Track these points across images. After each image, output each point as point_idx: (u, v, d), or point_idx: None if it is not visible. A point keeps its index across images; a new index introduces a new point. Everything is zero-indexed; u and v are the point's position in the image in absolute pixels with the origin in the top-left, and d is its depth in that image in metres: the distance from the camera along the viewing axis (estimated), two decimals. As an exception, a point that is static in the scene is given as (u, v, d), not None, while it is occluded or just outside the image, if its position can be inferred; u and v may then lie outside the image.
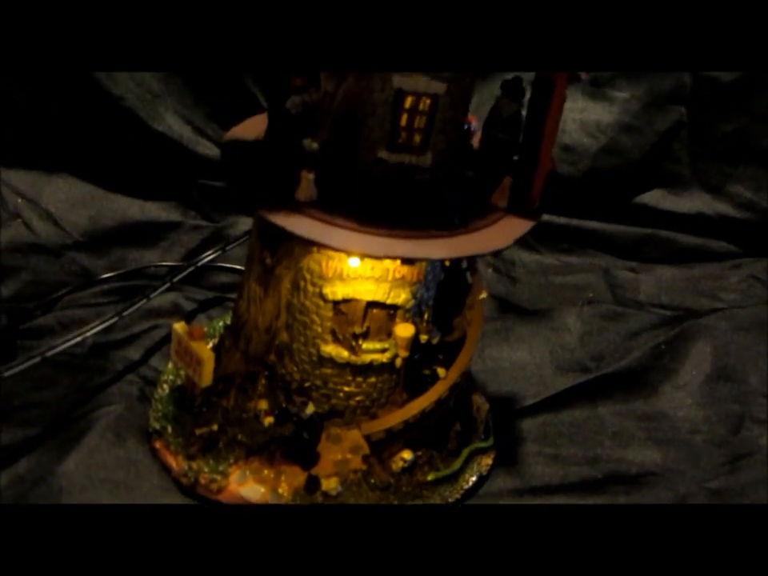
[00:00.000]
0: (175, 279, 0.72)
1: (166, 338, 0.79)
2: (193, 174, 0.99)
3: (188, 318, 0.79)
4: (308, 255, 0.55)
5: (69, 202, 0.96)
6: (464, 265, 0.63)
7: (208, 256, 0.74)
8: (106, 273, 0.87)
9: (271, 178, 0.49)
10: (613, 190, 1.04)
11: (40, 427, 0.65)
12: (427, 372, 0.62)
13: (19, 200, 0.94)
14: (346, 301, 0.57)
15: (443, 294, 0.63)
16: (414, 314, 0.59)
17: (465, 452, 0.65)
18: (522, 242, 1.05)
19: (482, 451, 0.67)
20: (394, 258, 0.48)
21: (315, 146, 0.48)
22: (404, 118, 0.49)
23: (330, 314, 0.58)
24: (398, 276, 0.55)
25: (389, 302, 0.56)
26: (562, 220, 1.04)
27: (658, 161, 1.03)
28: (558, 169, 1.01)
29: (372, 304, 0.57)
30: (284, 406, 0.60)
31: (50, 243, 0.91)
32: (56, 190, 0.96)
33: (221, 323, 0.76)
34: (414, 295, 0.58)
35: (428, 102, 0.49)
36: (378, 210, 0.49)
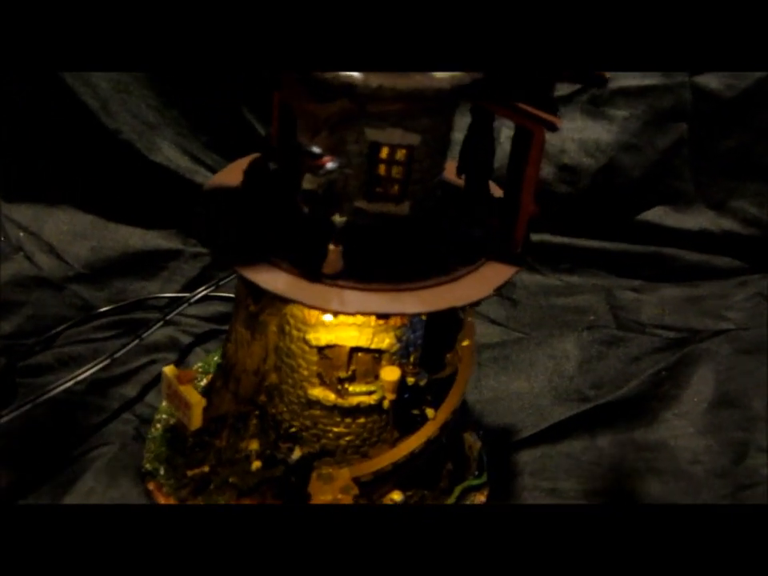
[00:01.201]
0: (168, 317, 0.72)
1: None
2: (192, 203, 0.99)
3: (183, 353, 0.80)
4: (290, 303, 0.55)
5: (70, 233, 0.97)
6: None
7: (201, 291, 0.75)
8: (107, 305, 0.88)
9: (300, 252, 0.49)
10: (615, 208, 1.03)
11: (37, 469, 0.66)
12: (416, 412, 0.62)
13: (21, 233, 0.95)
14: (329, 346, 0.56)
15: (432, 332, 0.62)
16: (400, 356, 0.59)
17: (457, 490, 0.65)
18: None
19: (475, 488, 0.66)
20: (367, 314, 0.48)
21: (343, 220, 0.47)
22: (381, 168, 0.49)
23: (316, 358, 0.58)
24: (380, 322, 0.55)
25: (372, 347, 0.56)
26: (564, 239, 1.03)
27: (660, 178, 1.02)
28: (555, 189, 1.00)
29: (357, 348, 0.57)
30: (270, 451, 0.60)
31: (51, 276, 0.92)
32: (57, 222, 0.97)
33: (215, 358, 0.77)
34: (398, 339, 0.57)
35: (404, 152, 0.48)
36: (356, 261, 0.49)
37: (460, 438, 0.67)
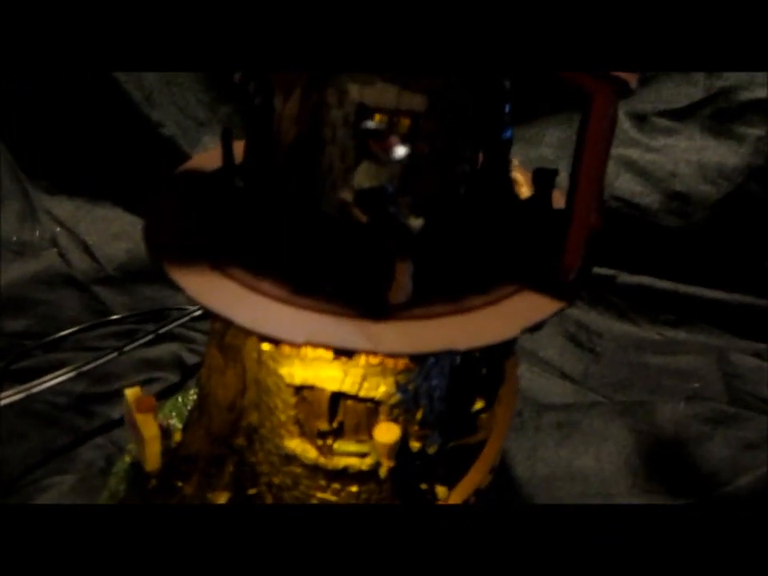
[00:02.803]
0: (161, 330, 0.61)
1: (158, 395, 0.69)
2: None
3: (185, 374, 0.69)
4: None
5: (108, 232, 0.91)
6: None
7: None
8: (126, 312, 0.80)
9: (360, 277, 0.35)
10: (738, 249, 0.82)
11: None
12: (424, 487, 0.46)
13: (57, 228, 0.89)
14: (307, 387, 0.43)
15: (458, 384, 0.47)
16: (403, 410, 0.44)
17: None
18: (613, 308, 0.85)
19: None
20: (317, 346, 0.33)
21: (419, 223, 0.33)
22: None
23: (293, 399, 0.44)
24: (373, 361, 0.41)
25: (362, 394, 0.42)
26: (668, 284, 0.84)
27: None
28: (661, 221, 0.81)
29: (341, 394, 0.42)
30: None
31: (79, 276, 0.85)
32: (96, 220, 0.91)
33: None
34: (400, 387, 0.42)
35: (407, 123, 0.34)
36: (330, 274, 0.35)
37: (485, 530, 0.50)
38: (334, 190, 0.37)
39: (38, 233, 0.88)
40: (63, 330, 0.76)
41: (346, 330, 0.32)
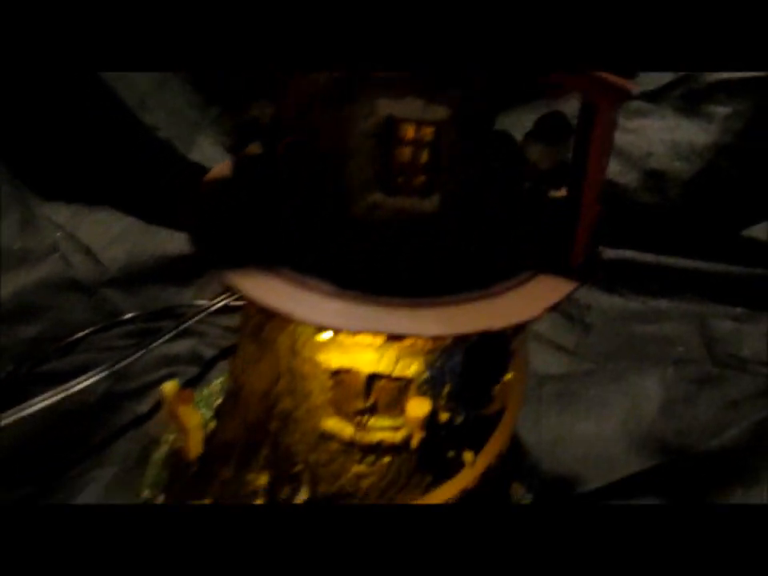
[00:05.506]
0: (182, 327, 0.64)
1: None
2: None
3: (205, 367, 0.72)
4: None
5: (108, 235, 0.93)
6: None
7: (223, 299, 0.67)
8: (137, 312, 0.82)
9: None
10: (713, 222, 0.88)
11: (32, 486, 0.60)
12: (451, 455, 0.51)
13: (58, 234, 0.91)
14: (344, 371, 0.47)
15: (472, 360, 0.51)
16: (431, 386, 0.48)
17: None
18: (600, 282, 0.91)
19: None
20: (372, 333, 0.37)
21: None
22: (403, 153, 0.39)
23: (330, 383, 0.48)
24: (406, 343, 0.45)
25: (395, 374, 0.46)
26: (650, 257, 0.89)
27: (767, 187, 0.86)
28: (640, 198, 0.87)
29: (376, 375, 0.46)
30: (268, 490, 0.50)
31: (84, 279, 0.87)
32: (96, 224, 0.93)
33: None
34: (429, 366, 0.47)
35: (430, 131, 0.38)
36: (368, 269, 0.39)
37: (507, 492, 0.55)
38: (363, 195, 0.41)
39: (39, 239, 0.90)
40: (76, 333, 0.79)
41: (395, 318, 0.36)
